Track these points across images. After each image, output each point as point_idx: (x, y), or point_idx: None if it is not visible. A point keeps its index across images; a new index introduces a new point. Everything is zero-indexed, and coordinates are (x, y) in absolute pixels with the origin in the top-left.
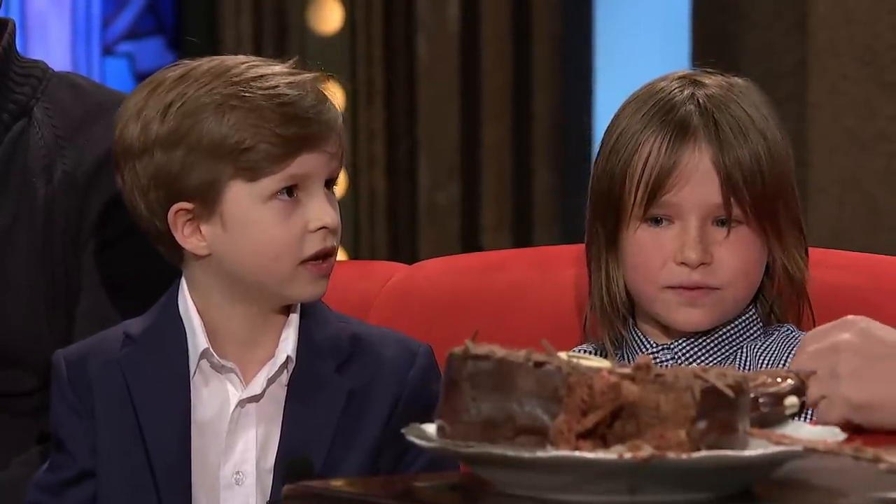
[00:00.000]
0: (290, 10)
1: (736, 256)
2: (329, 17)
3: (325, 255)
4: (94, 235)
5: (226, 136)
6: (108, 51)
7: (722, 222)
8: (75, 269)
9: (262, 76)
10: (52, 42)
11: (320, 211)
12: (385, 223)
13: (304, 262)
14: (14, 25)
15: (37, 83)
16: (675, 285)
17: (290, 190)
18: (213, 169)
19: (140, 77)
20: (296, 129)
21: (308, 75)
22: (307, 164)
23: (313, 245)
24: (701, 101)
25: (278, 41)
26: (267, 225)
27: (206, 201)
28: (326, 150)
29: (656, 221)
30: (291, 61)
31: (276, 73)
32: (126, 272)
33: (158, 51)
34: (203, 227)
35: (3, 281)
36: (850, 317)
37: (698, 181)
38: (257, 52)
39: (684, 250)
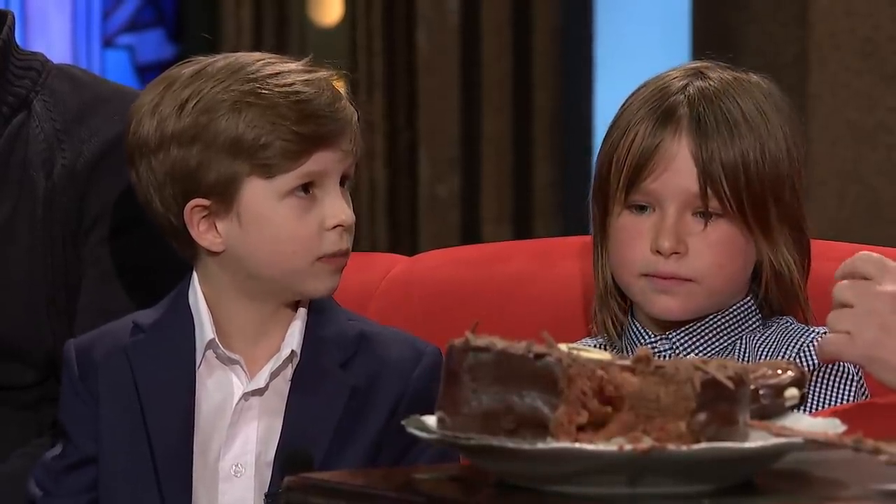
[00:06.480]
0: (291, 2)
1: (711, 249)
2: (329, 9)
3: (341, 253)
4: (94, 228)
5: (242, 133)
6: (108, 43)
7: (702, 214)
8: (75, 262)
9: (278, 73)
10: (52, 34)
11: (336, 208)
12: (385, 215)
13: (319, 258)
14: (13, 18)
15: (36, 76)
16: (649, 273)
17: (306, 187)
18: (229, 166)
19: (140, 69)
20: (312, 126)
21: (323, 73)
22: (323, 161)
23: (330, 244)
24: (692, 93)
25: (279, 32)
26: (283, 222)
27: (223, 198)
28: (341, 148)
29: (640, 209)
30: (306, 59)
31: (291, 70)
32: (126, 265)
33: (159, 43)
34: (219, 224)
35: (4, 274)
36: None
37: (676, 169)
38: (258, 43)
39: (658, 238)
